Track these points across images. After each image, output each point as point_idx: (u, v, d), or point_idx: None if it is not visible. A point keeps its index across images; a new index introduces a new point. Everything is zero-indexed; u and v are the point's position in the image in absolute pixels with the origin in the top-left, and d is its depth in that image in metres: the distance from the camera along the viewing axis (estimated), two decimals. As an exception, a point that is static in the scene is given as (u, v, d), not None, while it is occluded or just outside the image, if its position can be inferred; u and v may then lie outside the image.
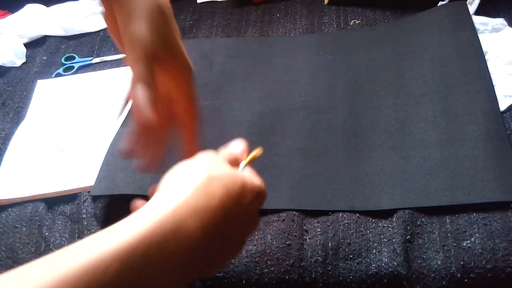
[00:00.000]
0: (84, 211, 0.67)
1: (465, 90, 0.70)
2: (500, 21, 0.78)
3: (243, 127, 0.74)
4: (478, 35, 0.76)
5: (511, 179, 0.59)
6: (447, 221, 0.59)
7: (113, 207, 0.68)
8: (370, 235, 0.59)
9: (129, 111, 0.79)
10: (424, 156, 0.64)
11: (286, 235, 0.60)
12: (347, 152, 0.68)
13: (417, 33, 0.81)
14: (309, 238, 0.60)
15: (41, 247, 0.65)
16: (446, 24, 0.80)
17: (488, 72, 0.71)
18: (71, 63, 0.94)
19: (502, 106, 0.68)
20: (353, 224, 0.60)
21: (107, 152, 0.73)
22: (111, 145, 0.74)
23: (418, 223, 0.59)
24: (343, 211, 0.62)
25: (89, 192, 0.69)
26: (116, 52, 0.95)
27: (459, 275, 0.55)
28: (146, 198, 0.66)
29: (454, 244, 0.57)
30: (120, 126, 0.77)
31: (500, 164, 0.61)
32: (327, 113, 0.73)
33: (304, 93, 0.77)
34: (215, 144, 0.72)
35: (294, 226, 0.61)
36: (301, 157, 0.68)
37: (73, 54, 0.96)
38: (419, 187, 0.61)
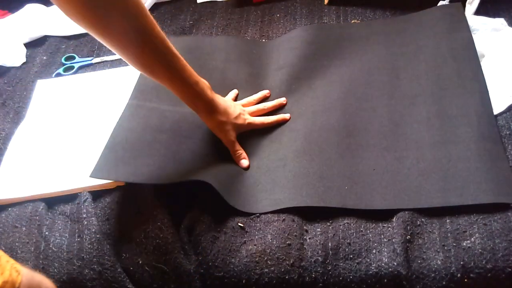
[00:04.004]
0: (84, 211, 0.67)
1: (459, 92, 0.69)
2: (500, 21, 0.78)
3: None
4: (478, 35, 0.76)
5: (503, 181, 0.59)
6: (447, 221, 0.59)
7: (113, 207, 0.68)
8: (370, 235, 0.59)
9: (126, 105, 0.79)
10: (417, 157, 0.64)
11: (286, 235, 0.60)
12: (340, 151, 0.67)
13: (412, 33, 0.81)
14: (309, 238, 0.60)
15: (41, 247, 0.65)
16: (441, 25, 0.79)
17: (482, 74, 0.71)
18: (71, 63, 0.94)
19: (502, 106, 0.68)
20: (353, 224, 0.60)
21: (108, 141, 0.72)
22: (111, 135, 0.73)
23: (418, 223, 0.59)
24: (343, 211, 0.62)
25: (89, 192, 0.69)
26: (116, 52, 0.95)
27: (459, 275, 0.55)
28: (146, 187, 0.67)
29: (454, 244, 0.57)
30: (119, 119, 0.76)
31: (492, 166, 0.61)
32: (321, 113, 0.73)
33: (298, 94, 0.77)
34: (215, 143, 0.73)
35: (294, 226, 0.61)
36: (295, 157, 0.68)
37: (73, 54, 0.96)
38: (411, 188, 0.61)
